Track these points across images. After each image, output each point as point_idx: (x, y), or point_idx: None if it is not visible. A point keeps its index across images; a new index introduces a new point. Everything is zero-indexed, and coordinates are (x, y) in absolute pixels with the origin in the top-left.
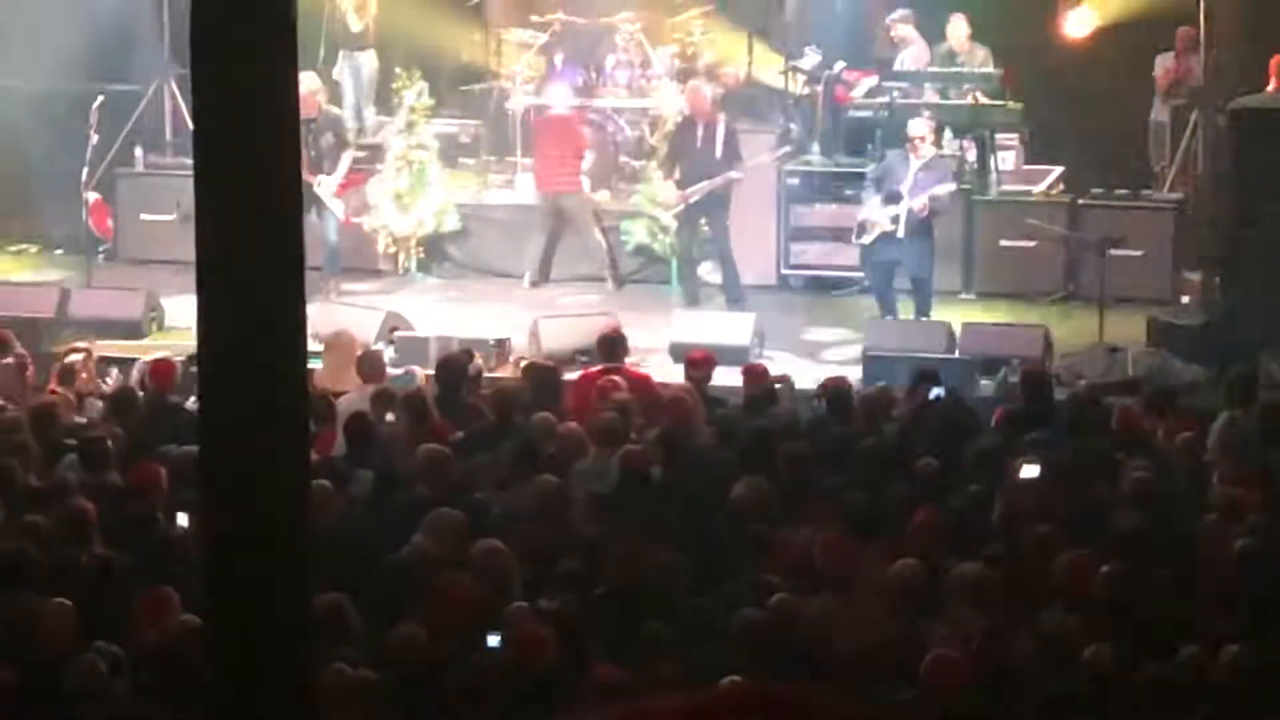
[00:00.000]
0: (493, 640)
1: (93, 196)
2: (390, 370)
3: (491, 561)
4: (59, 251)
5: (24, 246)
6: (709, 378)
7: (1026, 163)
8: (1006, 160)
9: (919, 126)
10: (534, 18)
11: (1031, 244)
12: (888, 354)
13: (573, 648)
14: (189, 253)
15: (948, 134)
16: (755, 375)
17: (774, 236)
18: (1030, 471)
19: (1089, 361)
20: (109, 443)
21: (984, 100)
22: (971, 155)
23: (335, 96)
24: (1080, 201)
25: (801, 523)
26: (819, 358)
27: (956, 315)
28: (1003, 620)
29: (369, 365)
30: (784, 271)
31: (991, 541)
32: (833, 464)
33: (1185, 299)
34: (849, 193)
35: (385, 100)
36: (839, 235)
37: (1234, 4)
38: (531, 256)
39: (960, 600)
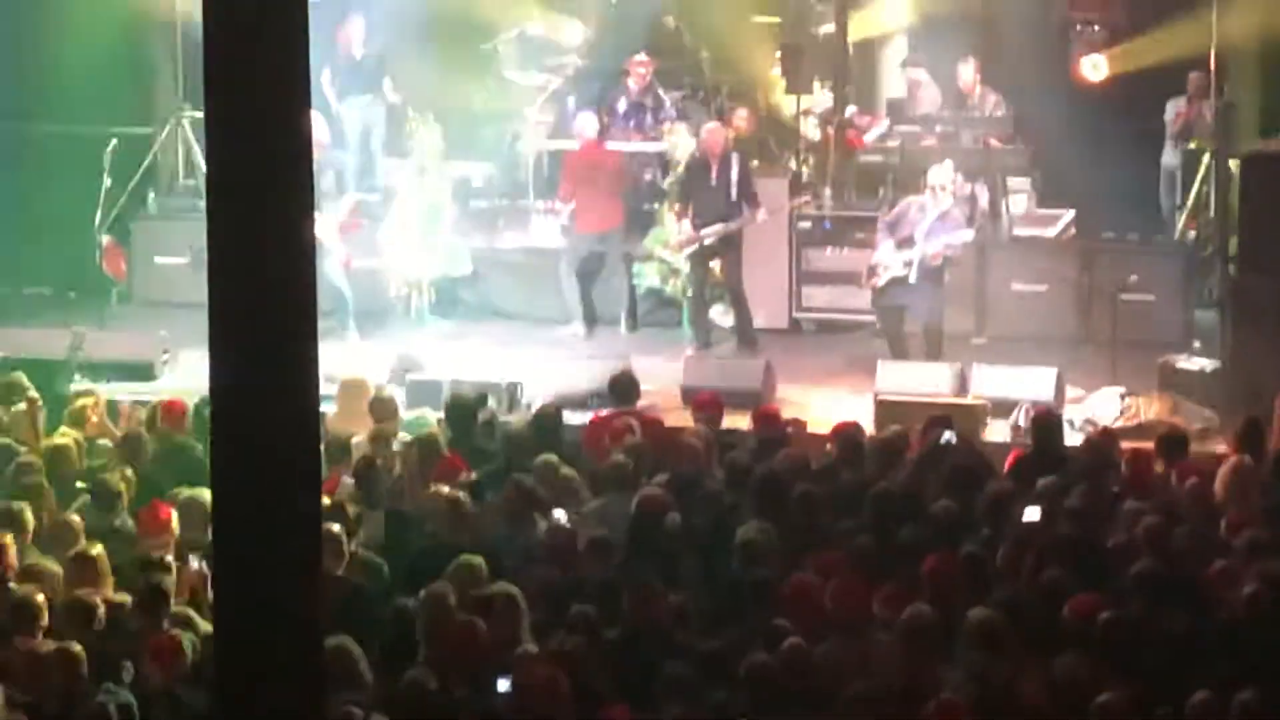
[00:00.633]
0: (503, 684)
1: (106, 239)
2: (403, 413)
3: (502, 604)
4: (72, 294)
5: (38, 289)
6: (718, 420)
7: (1038, 206)
8: (1019, 204)
9: (940, 174)
10: (547, 60)
11: (1044, 288)
12: (899, 397)
13: (583, 690)
14: (202, 295)
15: (959, 178)
16: (766, 419)
17: (785, 280)
18: (1038, 515)
19: (1101, 405)
20: (121, 485)
21: (995, 144)
22: (984, 199)
23: (339, 137)
24: (1092, 245)
25: (812, 567)
26: (830, 401)
27: (969, 358)
28: (1014, 665)
29: (381, 408)
30: (795, 315)
31: (1002, 586)
32: (844, 508)
33: (1196, 343)
34: (860, 236)
35: (397, 144)
36: (850, 279)
37: (1246, 49)
38: (571, 304)
39: (972, 645)
